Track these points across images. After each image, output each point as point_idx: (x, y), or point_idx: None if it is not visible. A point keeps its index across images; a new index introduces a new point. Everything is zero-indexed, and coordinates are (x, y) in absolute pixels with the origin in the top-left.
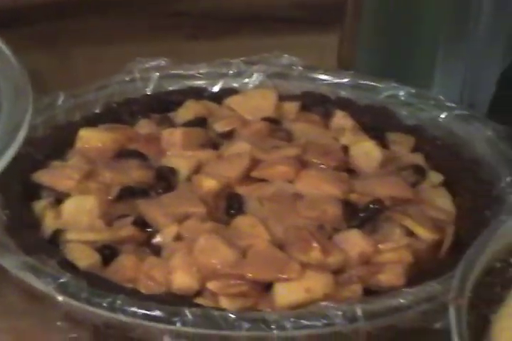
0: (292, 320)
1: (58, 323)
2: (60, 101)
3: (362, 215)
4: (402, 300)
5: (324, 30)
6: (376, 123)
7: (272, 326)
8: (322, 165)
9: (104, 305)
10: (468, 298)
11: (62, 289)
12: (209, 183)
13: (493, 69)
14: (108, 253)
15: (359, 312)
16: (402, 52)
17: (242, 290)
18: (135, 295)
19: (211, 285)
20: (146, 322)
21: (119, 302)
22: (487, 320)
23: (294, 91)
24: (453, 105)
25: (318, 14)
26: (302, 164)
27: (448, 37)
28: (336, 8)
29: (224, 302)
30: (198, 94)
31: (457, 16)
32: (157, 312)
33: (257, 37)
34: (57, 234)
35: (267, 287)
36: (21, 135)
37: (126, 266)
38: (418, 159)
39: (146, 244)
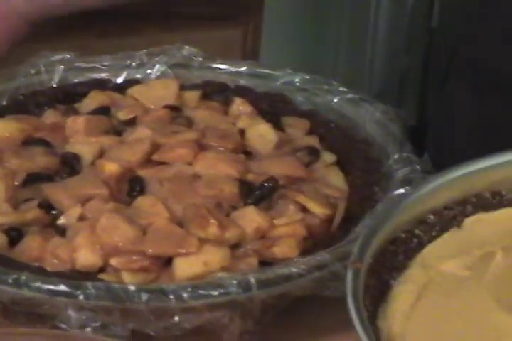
0: (189, 290)
1: None
2: None
3: (257, 193)
4: (293, 269)
5: (229, 26)
6: (273, 108)
7: (171, 296)
8: (220, 148)
9: (10, 281)
10: (369, 263)
11: None
12: (111, 167)
13: (396, 61)
14: (15, 234)
15: (252, 280)
16: (307, 46)
17: (143, 265)
18: (40, 272)
19: (113, 262)
20: (50, 297)
21: (23, 278)
22: (388, 285)
23: (194, 81)
24: (345, 89)
25: (224, 10)
26: (201, 147)
27: (350, 31)
28: (240, 3)
29: (126, 277)
30: (102, 85)
31: (358, 13)
32: (61, 287)
33: (163, 33)
34: None
35: (167, 262)
36: None
37: (32, 247)
38: (312, 141)
39: (51, 226)
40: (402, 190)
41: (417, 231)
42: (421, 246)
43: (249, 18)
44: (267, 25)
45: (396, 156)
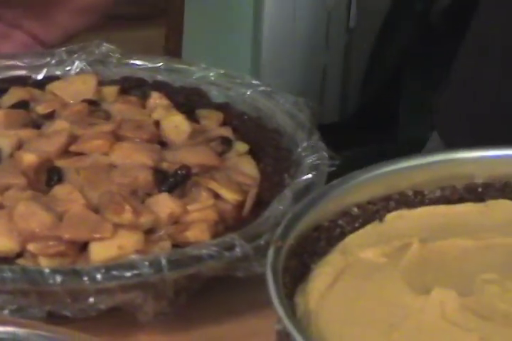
0: (103, 271)
1: None
2: None
3: (171, 180)
4: (203, 250)
5: (150, 26)
6: (189, 102)
7: (85, 278)
8: (136, 139)
9: None
10: (291, 245)
11: None
12: (29, 158)
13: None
14: None
15: (164, 261)
16: (227, 45)
17: (60, 250)
18: None
19: (31, 247)
20: None
21: None
22: (308, 268)
23: (113, 77)
24: (257, 83)
25: (145, 11)
26: (117, 138)
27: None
28: (160, 5)
29: (43, 262)
30: (22, 81)
31: (279, 13)
32: None
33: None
34: None
35: (83, 247)
36: None
37: None
38: (226, 132)
39: None
40: (309, 176)
41: (340, 222)
42: (343, 235)
43: (170, 19)
44: (188, 26)
45: (305, 144)
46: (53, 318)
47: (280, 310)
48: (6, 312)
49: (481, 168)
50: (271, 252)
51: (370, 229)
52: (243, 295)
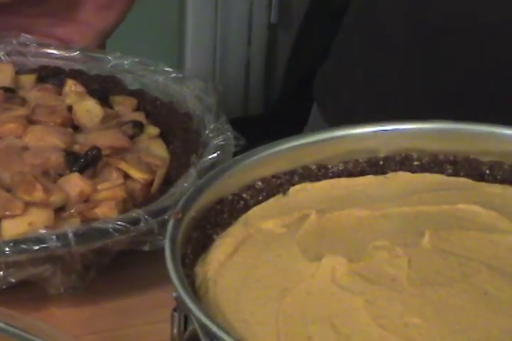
0: (11, 245)
1: None
2: None
3: (82, 161)
4: (109, 224)
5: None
6: (103, 89)
7: None
8: (50, 124)
9: None
10: (193, 217)
11: None
12: None
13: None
14: None
15: (70, 235)
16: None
17: None
18: None
19: None
20: None
21: None
22: (211, 239)
23: (31, 66)
24: (170, 70)
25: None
26: (31, 122)
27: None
28: None
29: None
30: None
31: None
32: None
33: None
34: None
35: None
36: None
37: None
38: (139, 116)
39: None
40: (214, 155)
41: (244, 195)
42: (247, 208)
43: None
44: None
45: (212, 126)
46: None
47: (174, 277)
48: None
49: (382, 142)
50: (170, 224)
51: (273, 202)
52: (150, 269)
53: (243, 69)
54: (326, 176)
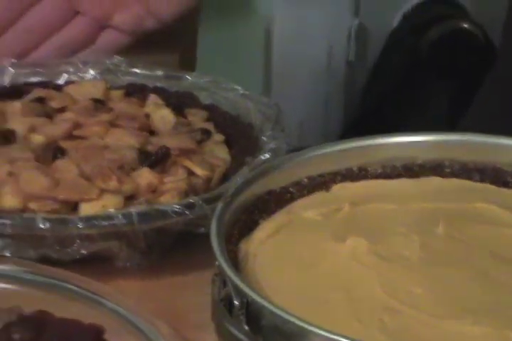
0: (84, 220)
1: None
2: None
3: (152, 158)
4: (169, 208)
5: (165, 50)
6: (181, 103)
7: (70, 225)
8: (130, 128)
9: None
10: (242, 201)
11: None
12: (37, 138)
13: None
14: None
15: (134, 214)
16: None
17: (55, 208)
18: None
19: (31, 205)
20: None
21: None
22: (257, 223)
23: (120, 84)
24: (238, 87)
25: (159, 37)
26: (113, 126)
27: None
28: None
29: None
30: (45, 85)
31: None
32: None
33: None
34: None
35: (75, 207)
36: None
37: None
38: (208, 126)
39: None
40: (266, 155)
41: (291, 189)
42: (292, 200)
43: (184, 44)
44: (200, 55)
45: (268, 134)
46: (45, 262)
47: (215, 248)
48: (7, 253)
49: (419, 151)
50: (220, 205)
51: (316, 196)
52: (204, 251)
53: (322, 102)
54: (365, 177)
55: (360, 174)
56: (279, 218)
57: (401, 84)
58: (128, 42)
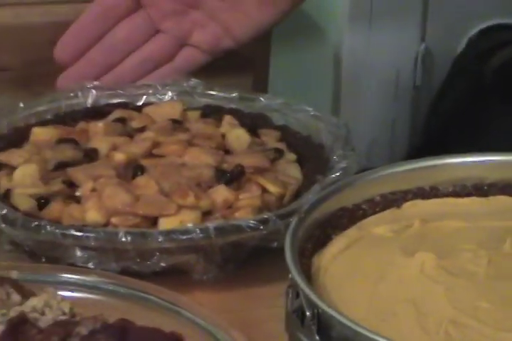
0: (164, 233)
1: (6, 246)
2: (20, 110)
3: (228, 175)
4: (244, 222)
5: (238, 73)
6: (254, 124)
7: (149, 238)
8: (206, 147)
9: (32, 226)
10: (316, 218)
11: (4, 219)
12: (119, 156)
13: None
14: (43, 201)
15: (211, 228)
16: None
17: (136, 223)
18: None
19: (114, 220)
20: (62, 238)
21: (43, 224)
22: (329, 238)
23: (197, 105)
24: (309, 109)
25: (232, 60)
26: (190, 145)
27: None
28: (244, 54)
29: None
30: (125, 106)
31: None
32: (70, 231)
33: None
34: (8, 192)
35: (154, 222)
36: None
37: (55, 209)
38: (281, 146)
39: (71, 197)
40: (337, 174)
41: (363, 206)
42: (364, 216)
43: (257, 67)
44: (273, 73)
45: (339, 153)
46: (126, 274)
47: (289, 260)
48: (90, 265)
49: (489, 170)
50: (294, 220)
51: (388, 213)
52: (277, 264)
53: (389, 125)
54: (436, 195)
55: (431, 193)
56: (351, 234)
57: (465, 108)
58: (205, 61)
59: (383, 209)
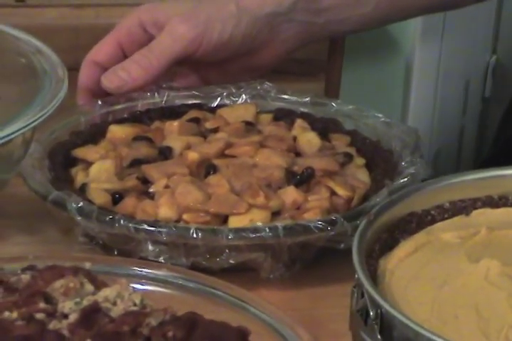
0: (233, 231)
1: (80, 238)
2: (97, 108)
3: (298, 177)
4: (312, 224)
5: (311, 79)
6: (325, 128)
7: (219, 235)
8: (278, 149)
9: (107, 220)
10: (384, 221)
11: (79, 211)
12: (192, 155)
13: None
14: (117, 197)
15: (280, 228)
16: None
17: (206, 220)
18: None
19: (185, 216)
20: (135, 232)
21: (117, 217)
22: (397, 242)
23: (270, 108)
24: (379, 115)
25: (305, 67)
26: (262, 147)
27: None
28: (318, 61)
29: None
30: (200, 107)
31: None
32: (143, 225)
33: None
34: (84, 186)
35: (225, 220)
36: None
37: (128, 204)
38: (350, 150)
39: (144, 193)
40: (405, 179)
41: (432, 212)
42: (433, 222)
43: (329, 74)
44: (345, 81)
45: (407, 159)
46: (195, 269)
47: (355, 261)
48: (161, 259)
49: None
50: (363, 223)
51: (456, 220)
52: (344, 265)
53: (457, 135)
54: (505, 205)
55: (500, 202)
56: (418, 238)
57: None
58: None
59: (452, 215)
